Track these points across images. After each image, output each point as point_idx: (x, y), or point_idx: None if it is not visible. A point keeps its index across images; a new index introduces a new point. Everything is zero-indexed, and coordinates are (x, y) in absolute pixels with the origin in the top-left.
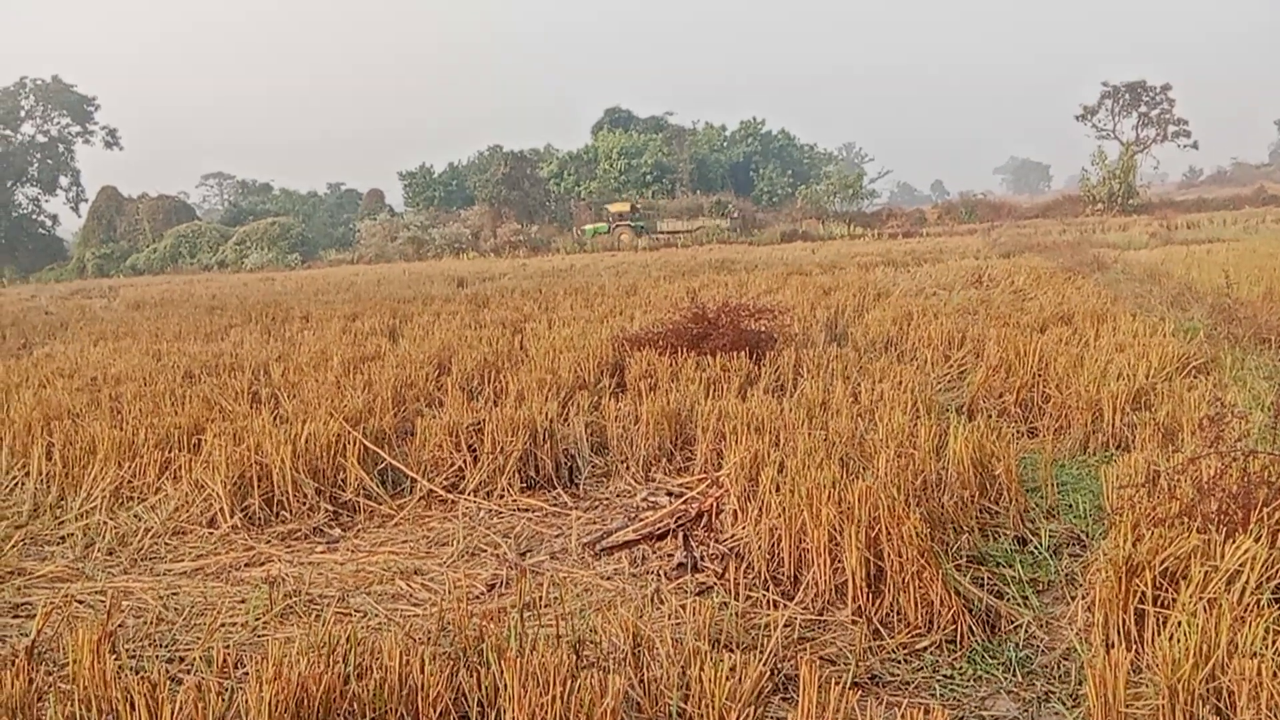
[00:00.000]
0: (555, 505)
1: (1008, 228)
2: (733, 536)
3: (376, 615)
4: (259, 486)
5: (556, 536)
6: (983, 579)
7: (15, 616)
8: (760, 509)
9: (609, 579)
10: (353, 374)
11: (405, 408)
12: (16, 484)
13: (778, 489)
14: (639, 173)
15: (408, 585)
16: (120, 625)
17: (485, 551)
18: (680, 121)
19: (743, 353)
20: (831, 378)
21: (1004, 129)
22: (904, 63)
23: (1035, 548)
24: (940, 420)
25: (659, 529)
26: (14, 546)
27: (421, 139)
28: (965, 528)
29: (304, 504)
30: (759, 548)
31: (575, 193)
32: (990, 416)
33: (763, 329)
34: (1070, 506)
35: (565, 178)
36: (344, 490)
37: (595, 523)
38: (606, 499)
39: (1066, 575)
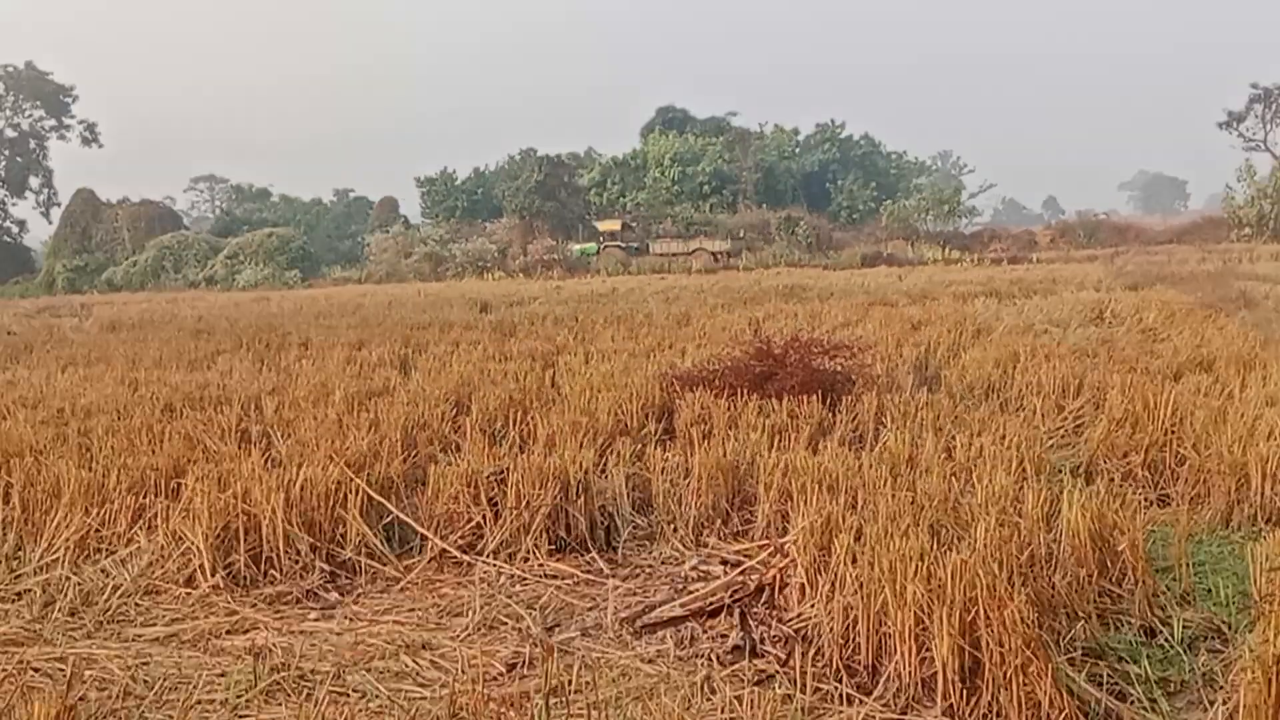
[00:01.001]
0: (589, 572)
1: (1135, 254)
2: (799, 616)
3: (377, 697)
4: (245, 540)
5: (589, 609)
6: (1101, 677)
7: None
8: (833, 584)
9: (651, 662)
10: (357, 411)
11: (417, 452)
12: None
13: (854, 560)
14: (695, 182)
15: (414, 662)
16: (81, 699)
17: (505, 624)
18: (745, 123)
19: (814, 396)
20: (920, 428)
21: (1132, 137)
22: (1012, 57)
23: (1166, 640)
24: (1052, 483)
25: (711, 604)
26: None
27: (443, 140)
28: (1081, 614)
29: (297, 562)
30: (831, 630)
31: (620, 204)
32: (1112, 480)
33: (839, 369)
34: (1209, 591)
35: (609, 187)
36: (343, 547)
37: (635, 594)
38: (649, 566)
39: (1204, 675)
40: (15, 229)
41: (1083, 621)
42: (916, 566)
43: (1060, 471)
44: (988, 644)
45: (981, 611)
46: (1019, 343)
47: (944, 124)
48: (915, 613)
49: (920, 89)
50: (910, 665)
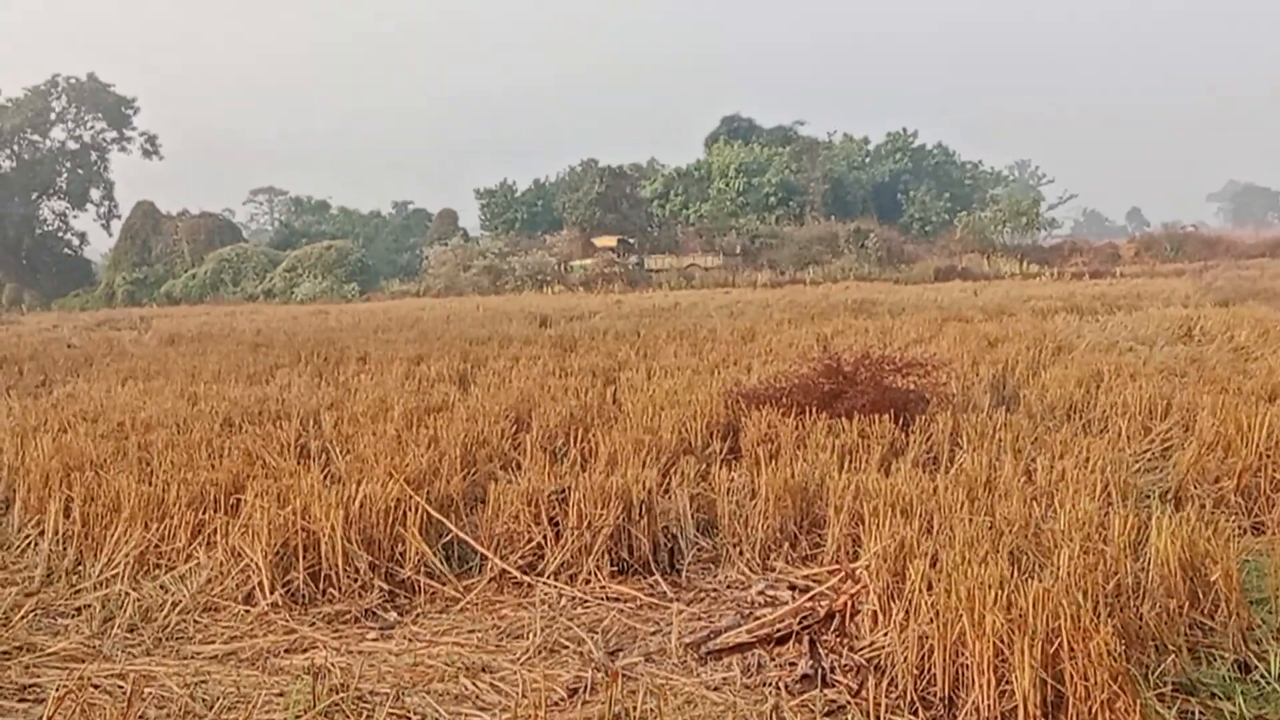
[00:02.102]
0: (652, 595)
1: (1225, 269)
2: (871, 644)
3: None
4: (304, 558)
5: (653, 634)
6: (1193, 714)
7: (22, 700)
8: (907, 611)
9: (716, 689)
10: (416, 428)
11: (476, 470)
12: (30, 544)
13: (930, 587)
14: (760, 193)
15: (474, 685)
16: (140, 717)
17: (567, 648)
18: (813, 132)
19: (886, 416)
20: (998, 450)
21: (1222, 146)
22: (1094, 63)
23: (1262, 676)
24: (1139, 509)
25: (779, 630)
26: (23, 617)
27: (504, 152)
28: (1170, 647)
29: (355, 581)
30: (905, 660)
31: (683, 216)
32: (1203, 507)
33: (911, 387)
34: None
35: (671, 198)
36: (402, 566)
37: (700, 619)
38: (714, 590)
39: None
40: (76, 241)
41: (1173, 655)
42: (996, 595)
43: (1148, 497)
44: (1072, 677)
45: (1065, 643)
46: (1102, 361)
47: (1022, 133)
48: (995, 643)
49: (997, 97)
50: (989, 698)
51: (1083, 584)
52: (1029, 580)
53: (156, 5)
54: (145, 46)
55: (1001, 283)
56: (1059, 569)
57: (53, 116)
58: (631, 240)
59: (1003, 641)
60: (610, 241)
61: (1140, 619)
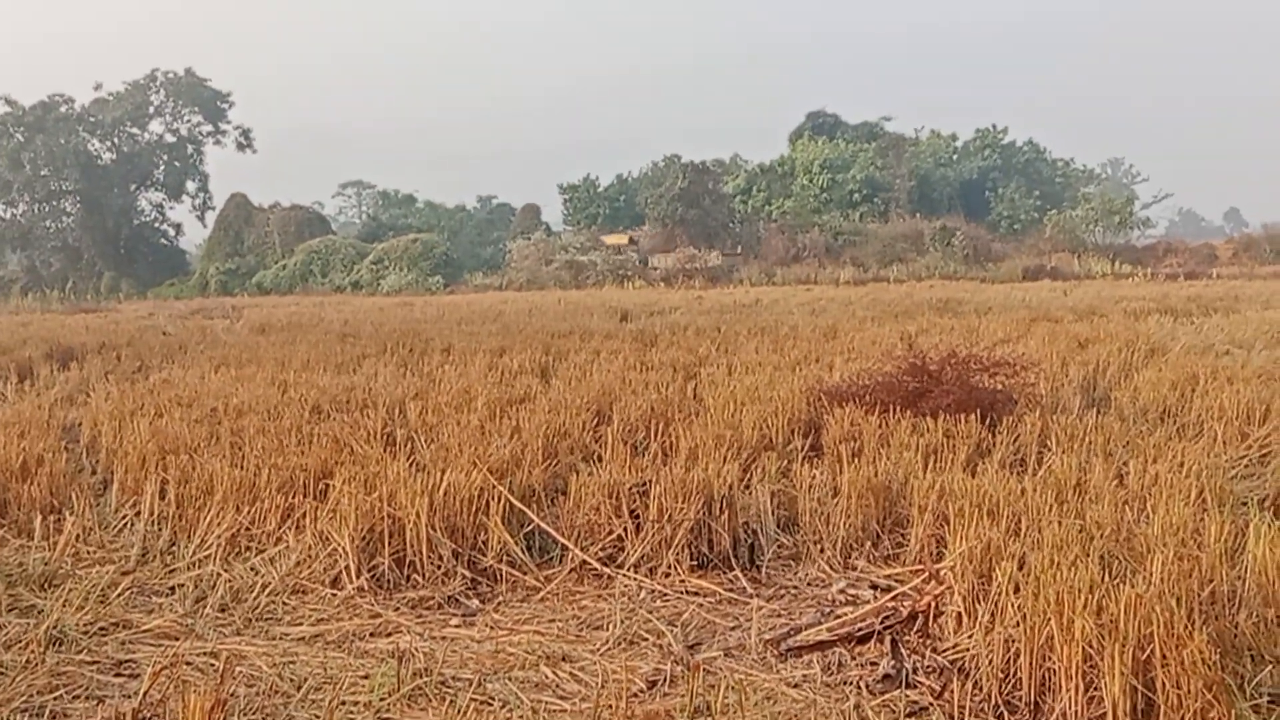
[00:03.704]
0: (731, 590)
1: None
2: (955, 646)
3: (519, 707)
4: (389, 544)
5: (732, 629)
6: None
7: (118, 675)
8: (993, 614)
9: (796, 686)
10: (499, 418)
11: (557, 461)
12: (126, 524)
13: (1017, 590)
14: (844, 189)
15: (554, 673)
16: (231, 694)
17: (646, 640)
18: (899, 128)
19: (972, 415)
20: (1089, 453)
21: None
22: (1190, 58)
23: None
24: (1235, 515)
25: (860, 629)
26: (120, 595)
27: (587, 148)
28: (1268, 658)
29: (439, 568)
30: (990, 663)
31: (765, 212)
32: None
33: (999, 387)
34: None
35: (754, 194)
36: (484, 554)
37: (780, 615)
38: (794, 587)
39: None
40: (172, 232)
41: (1270, 666)
42: (1086, 599)
43: (1244, 504)
44: (1164, 685)
45: (1158, 650)
46: (1198, 364)
47: (1115, 130)
48: (1084, 648)
49: (1090, 93)
50: (1077, 704)
51: (1176, 590)
52: (1120, 585)
53: (251, 4)
54: (240, 43)
55: (1092, 283)
56: (1152, 575)
57: (151, 110)
58: (638, 241)
59: (1092, 647)
60: (622, 239)
61: (1236, 628)
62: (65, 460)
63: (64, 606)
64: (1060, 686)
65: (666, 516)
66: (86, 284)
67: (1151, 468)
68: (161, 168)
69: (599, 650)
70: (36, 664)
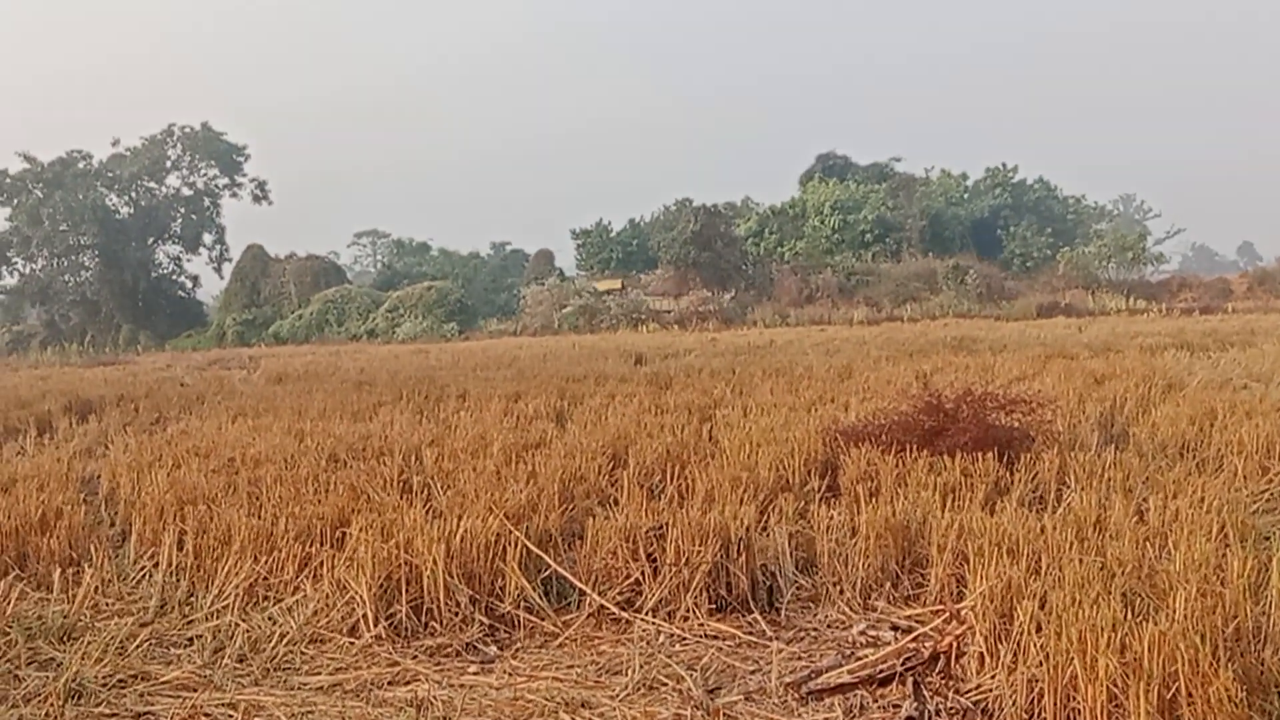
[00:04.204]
0: (751, 633)
1: None
2: (978, 687)
3: None
4: (407, 591)
5: (752, 672)
6: None
7: None
8: (1015, 654)
9: None
10: (515, 464)
11: (573, 505)
12: (145, 575)
13: (1039, 629)
14: (856, 230)
15: None
16: None
17: (665, 685)
18: (910, 168)
19: (989, 453)
20: (1108, 489)
21: None
22: (1200, 93)
23: None
24: (1258, 550)
25: (882, 671)
26: (139, 647)
27: (600, 196)
28: None
29: (456, 614)
30: (1013, 703)
31: (778, 254)
32: None
33: (1015, 425)
34: None
35: (766, 236)
36: (502, 600)
37: (800, 658)
38: (814, 629)
39: None
40: (189, 284)
41: None
42: (1109, 637)
43: (1267, 538)
44: None
45: (1183, 688)
46: (1215, 398)
47: (1126, 166)
48: (1108, 687)
49: (1099, 131)
50: None
51: (1200, 627)
52: (1143, 623)
53: (265, 58)
54: (254, 96)
55: (1107, 319)
56: (1175, 611)
57: (168, 164)
58: (627, 288)
59: (1116, 686)
60: (615, 284)
61: (1262, 664)
62: (84, 512)
63: (83, 659)
64: None
65: (684, 559)
66: (105, 337)
67: (1172, 503)
68: (179, 221)
69: (618, 696)
70: (56, 717)
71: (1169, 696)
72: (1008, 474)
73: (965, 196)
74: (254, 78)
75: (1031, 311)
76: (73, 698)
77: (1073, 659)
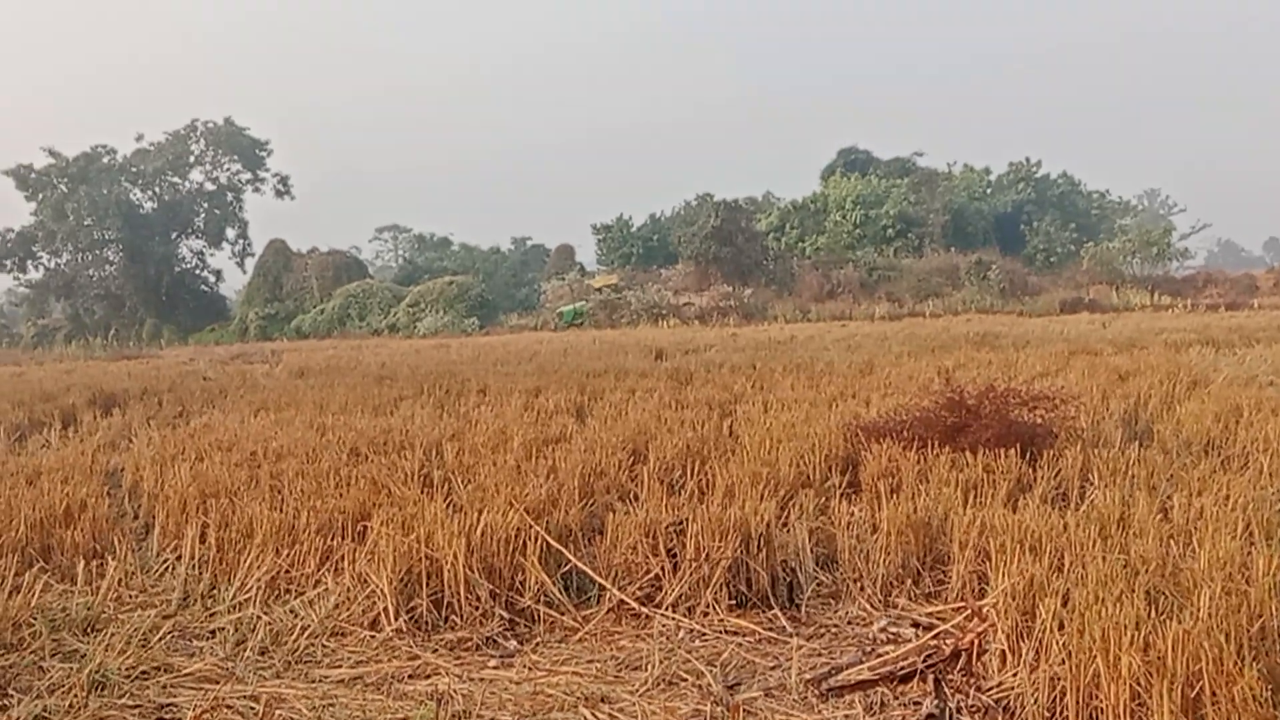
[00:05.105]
0: (771, 629)
1: None
2: (1000, 685)
3: None
4: (427, 585)
5: (772, 668)
6: None
7: (160, 719)
8: (1038, 651)
9: None
10: (535, 458)
11: (593, 500)
12: (167, 568)
13: (1061, 626)
14: (878, 225)
15: (594, 715)
16: None
17: (685, 681)
18: (932, 163)
19: (1012, 450)
20: (1132, 486)
21: None
22: (1227, 87)
23: None
24: None
25: (902, 669)
26: (162, 639)
27: (620, 188)
28: None
29: (476, 608)
30: (1035, 701)
31: (799, 249)
32: None
33: (1038, 421)
34: None
35: (787, 231)
36: (522, 595)
37: (820, 654)
38: (834, 626)
39: None
40: (212, 278)
41: None
42: (1132, 635)
43: None
44: None
45: (1207, 687)
46: (1241, 395)
47: (1150, 160)
48: (1131, 686)
49: (1124, 125)
50: None
51: (1225, 626)
52: (1167, 621)
53: (286, 53)
54: (277, 92)
55: (1131, 315)
56: (1199, 610)
57: (191, 159)
58: (623, 284)
59: (1140, 684)
60: (612, 280)
61: None
62: (108, 505)
63: (106, 651)
64: None
65: (704, 555)
66: (129, 331)
67: (1196, 501)
68: (202, 216)
69: (638, 691)
70: (79, 709)
71: (1193, 695)
72: (1030, 471)
73: (988, 191)
74: (277, 77)
75: (1055, 307)
76: (96, 689)
77: (1095, 657)
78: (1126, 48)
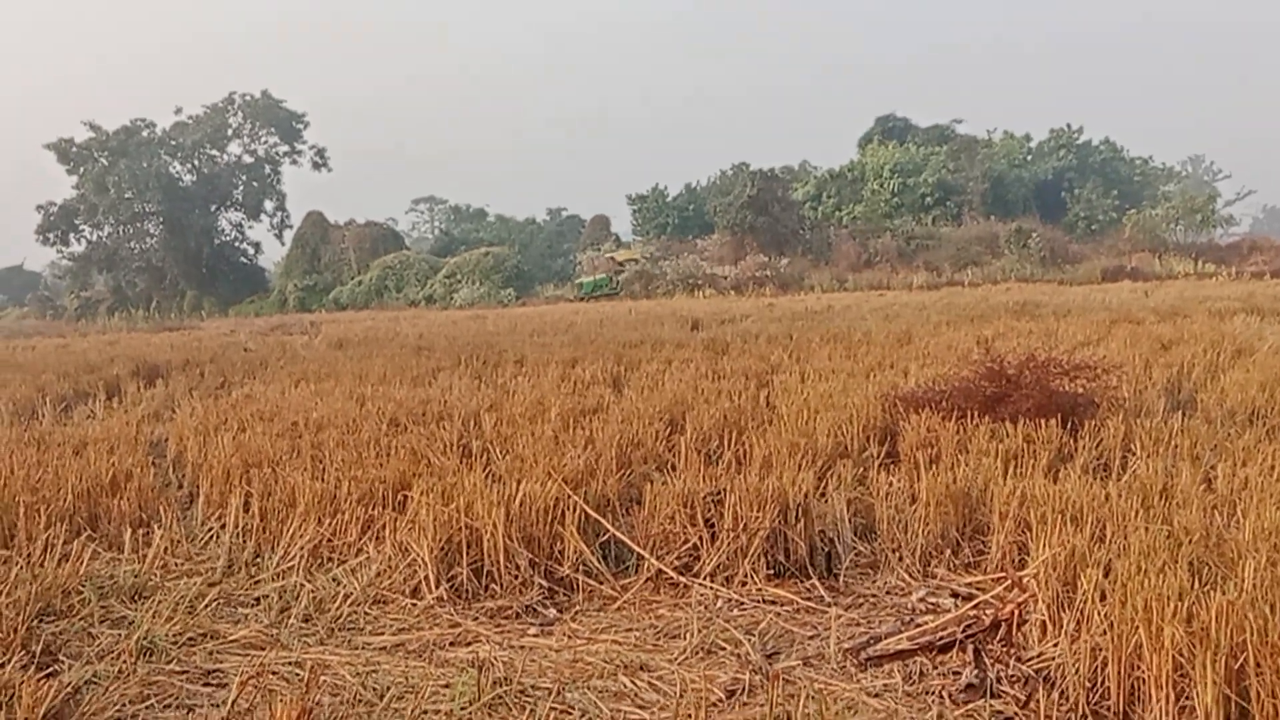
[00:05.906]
0: (809, 599)
1: None
2: (1040, 655)
3: (598, 716)
4: (467, 554)
5: (810, 638)
6: None
7: (207, 684)
8: (1079, 622)
9: (877, 696)
10: (572, 429)
11: (631, 470)
12: (212, 536)
13: (1103, 597)
14: (916, 193)
15: (633, 682)
16: (316, 703)
17: (724, 649)
18: (971, 130)
19: (1053, 420)
20: (1175, 456)
21: None
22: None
23: None
24: None
25: (942, 638)
26: (207, 606)
27: (656, 160)
28: None
29: (516, 577)
30: (1076, 672)
31: (836, 218)
32: None
33: (1079, 391)
34: None
35: (824, 200)
36: (561, 564)
37: (859, 624)
38: (873, 596)
39: None
40: (251, 250)
41: None
42: (1175, 607)
43: None
44: (1259, 694)
45: (1251, 658)
46: None
47: (1194, 126)
48: (1174, 657)
49: (1168, 90)
50: (1168, 714)
51: (1270, 597)
52: (1211, 592)
53: (323, 29)
54: (314, 65)
55: (1174, 283)
56: (1244, 581)
57: (230, 132)
58: (645, 257)
59: (1183, 655)
60: (634, 255)
61: None
62: (153, 475)
63: (153, 618)
64: (1150, 696)
65: (742, 525)
66: (170, 303)
67: (1241, 471)
68: (240, 188)
69: (676, 659)
70: (129, 674)
71: (1236, 667)
72: (1071, 441)
73: (1028, 158)
74: (315, 46)
75: (1096, 275)
76: (144, 655)
77: (1138, 628)
78: (1171, 12)
